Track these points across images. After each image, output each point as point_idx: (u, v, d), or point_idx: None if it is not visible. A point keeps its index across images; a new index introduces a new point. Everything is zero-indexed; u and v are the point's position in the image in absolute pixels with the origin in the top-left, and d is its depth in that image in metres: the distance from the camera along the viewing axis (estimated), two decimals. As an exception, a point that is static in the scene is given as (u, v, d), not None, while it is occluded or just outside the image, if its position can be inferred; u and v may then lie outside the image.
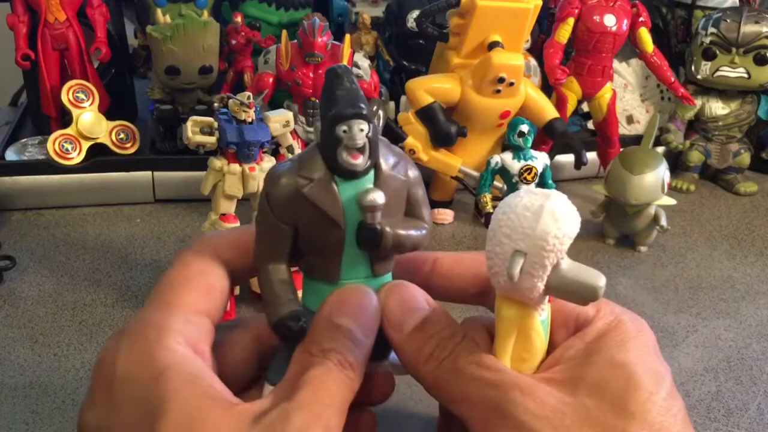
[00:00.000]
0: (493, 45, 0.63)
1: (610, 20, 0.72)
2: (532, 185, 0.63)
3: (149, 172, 0.70)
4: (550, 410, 0.26)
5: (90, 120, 0.68)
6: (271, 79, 0.69)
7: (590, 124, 0.81)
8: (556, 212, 0.26)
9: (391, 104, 0.77)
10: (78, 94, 0.68)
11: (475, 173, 0.68)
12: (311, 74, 0.67)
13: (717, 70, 0.79)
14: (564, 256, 0.27)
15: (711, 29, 0.79)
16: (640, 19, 0.74)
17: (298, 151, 0.59)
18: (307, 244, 0.30)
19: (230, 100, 0.53)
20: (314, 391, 0.27)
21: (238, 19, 0.78)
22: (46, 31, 0.69)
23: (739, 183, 0.80)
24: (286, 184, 0.28)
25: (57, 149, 0.67)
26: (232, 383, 0.29)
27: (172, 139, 0.70)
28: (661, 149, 0.80)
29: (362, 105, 0.28)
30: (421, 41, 0.77)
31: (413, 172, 0.30)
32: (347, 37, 0.71)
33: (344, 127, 0.27)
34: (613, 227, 0.67)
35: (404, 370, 0.31)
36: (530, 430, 0.26)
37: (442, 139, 0.66)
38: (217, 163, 0.54)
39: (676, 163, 0.82)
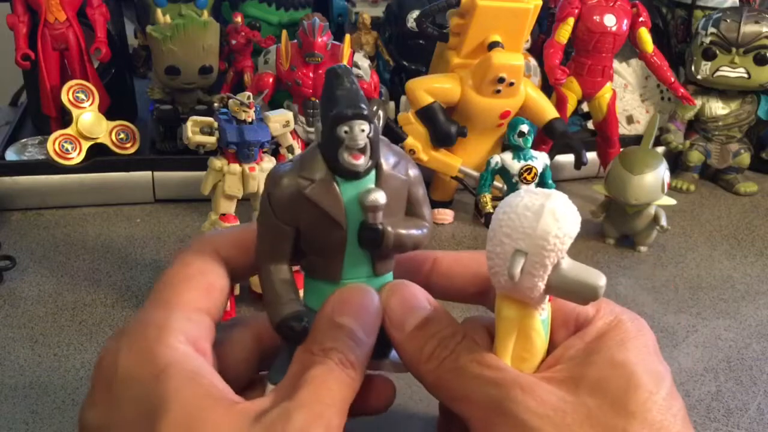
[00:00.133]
0: (493, 45, 0.63)
1: (610, 20, 0.72)
2: (532, 185, 0.63)
3: (149, 172, 0.70)
4: (551, 409, 0.26)
5: (90, 120, 0.68)
6: (271, 79, 0.69)
7: (590, 124, 0.81)
8: (556, 212, 0.26)
9: (391, 104, 0.77)
10: (78, 94, 0.68)
11: (475, 173, 0.68)
12: (311, 74, 0.67)
13: (717, 70, 0.79)
14: (564, 255, 0.27)
15: (711, 29, 0.79)
16: (640, 19, 0.74)
17: (298, 151, 0.59)
18: (309, 244, 0.30)
19: (230, 100, 0.53)
20: (315, 390, 0.27)
21: (238, 19, 0.78)
22: (46, 31, 0.69)
23: (739, 183, 0.80)
24: (288, 185, 0.28)
25: (57, 149, 0.67)
26: (233, 382, 0.29)
27: (172, 139, 0.70)
28: (661, 149, 0.80)
29: (363, 105, 0.28)
30: (421, 41, 0.77)
31: (414, 171, 0.30)
32: (347, 37, 0.71)
33: (345, 128, 0.27)
34: (613, 227, 0.67)
35: (405, 369, 0.31)
36: (531, 429, 0.26)
37: (442, 139, 0.66)
38: (217, 163, 0.54)
39: (676, 163, 0.82)
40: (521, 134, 0.63)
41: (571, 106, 0.75)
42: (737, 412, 0.47)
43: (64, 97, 0.67)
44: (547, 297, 0.29)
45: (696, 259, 0.66)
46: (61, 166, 0.67)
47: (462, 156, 0.68)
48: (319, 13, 0.73)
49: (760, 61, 0.78)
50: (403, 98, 0.72)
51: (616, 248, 0.67)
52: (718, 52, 0.79)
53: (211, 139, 0.54)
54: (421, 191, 0.31)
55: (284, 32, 0.71)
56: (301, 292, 0.31)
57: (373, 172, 0.29)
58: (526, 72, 0.67)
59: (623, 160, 0.65)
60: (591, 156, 0.74)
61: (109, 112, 0.71)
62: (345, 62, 0.69)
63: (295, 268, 0.31)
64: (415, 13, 0.73)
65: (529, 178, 0.64)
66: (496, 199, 0.67)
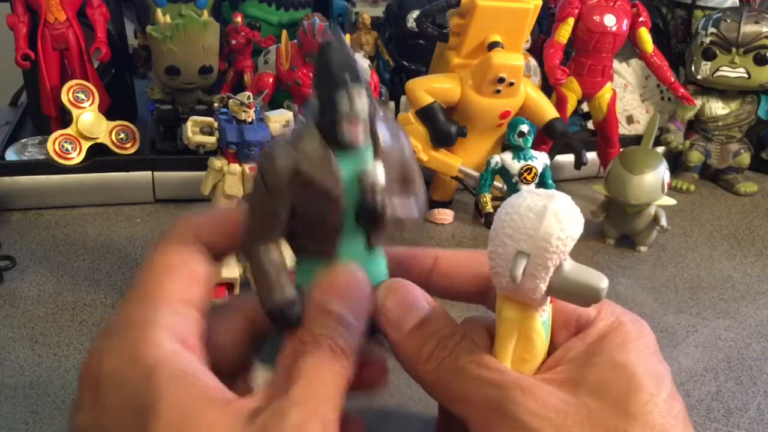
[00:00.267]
0: (493, 45, 0.63)
1: (610, 20, 0.72)
2: (532, 185, 0.63)
3: (149, 172, 0.70)
4: (551, 410, 0.26)
5: (90, 120, 0.68)
6: (271, 79, 0.69)
7: (590, 124, 0.81)
8: (559, 213, 0.26)
9: (391, 104, 0.77)
10: (78, 94, 0.68)
11: (475, 173, 0.68)
12: (311, 74, 0.67)
13: (717, 70, 0.79)
14: (567, 257, 0.27)
15: (711, 29, 0.79)
16: (640, 19, 0.74)
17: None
18: (303, 221, 0.29)
19: (230, 100, 0.53)
20: (308, 385, 0.26)
21: (238, 19, 0.78)
22: (46, 31, 0.69)
23: (739, 183, 0.80)
24: (284, 160, 0.27)
25: (57, 149, 0.67)
26: (226, 369, 0.28)
27: (172, 139, 0.70)
28: (661, 149, 0.80)
29: (360, 73, 0.27)
30: (421, 41, 0.77)
31: (405, 140, 0.30)
32: (347, 37, 0.71)
33: (345, 98, 0.27)
34: (613, 227, 0.67)
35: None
36: (531, 431, 0.26)
37: (442, 139, 0.66)
38: (217, 163, 0.54)
39: (676, 163, 0.82)
40: (521, 134, 0.63)
41: (571, 106, 0.75)
42: (737, 412, 0.47)
43: (64, 97, 0.67)
44: (549, 298, 0.29)
45: (696, 259, 0.66)
46: (61, 166, 0.67)
47: (462, 156, 0.68)
48: (319, 13, 0.73)
49: (760, 61, 0.78)
50: (403, 98, 0.72)
51: (616, 248, 0.67)
52: (718, 52, 0.79)
53: (211, 139, 0.54)
54: (414, 163, 0.30)
55: (284, 32, 0.71)
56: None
57: (370, 145, 0.28)
58: (526, 72, 0.67)
59: (623, 160, 0.65)
60: (591, 156, 0.74)
61: (109, 112, 0.71)
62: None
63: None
64: (415, 13, 0.73)
65: (529, 178, 0.64)
66: (496, 199, 0.67)
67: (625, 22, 0.72)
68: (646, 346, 0.29)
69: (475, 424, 0.28)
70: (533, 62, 0.77)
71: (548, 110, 0.68)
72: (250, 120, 0.52)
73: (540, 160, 0.65)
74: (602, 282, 0.27)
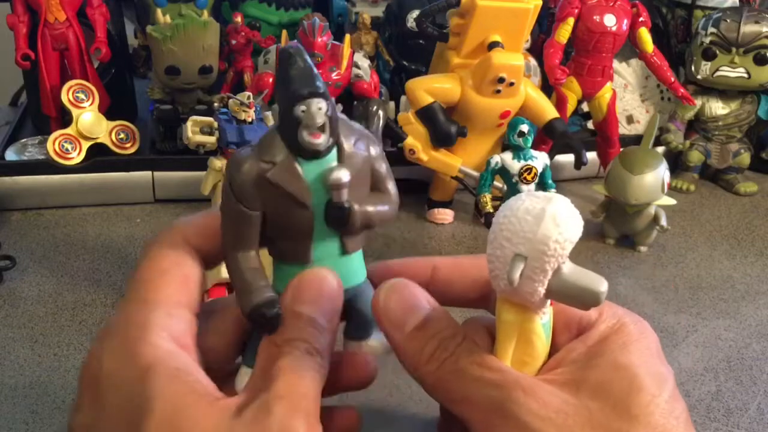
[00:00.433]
0: (493, 45, 0.63)
1: (610, 20, 0.72)
2: (532, 185, 0.63)
3: (149, 172, 0.70)
4: (553, 411, 0.26)
5: (90, 120, 0.68)
6: (271, 79, 0.69)
7: (590, 124, 0.81)
8: (557, 216, 0.26)
9: (391, 104, 0.77)
10: (78, 94, 0.68)
11: (475, 173, 0.68)
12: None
13: (717, 70, 0.79)
14: (566, 260, 0.27)
15: (711, 29, 0.79)
16: (640, 19, 0.74)
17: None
18: (275, 228, 0.29)
19: (230, 100, 0.53)
20: (289, 381, 0.27)
21: (238, 19, 0.78)
22: (46, 31, 0.69)
23: (739, 183, 0.80)
24: (249, 169, 0.28)
25: (57, 149, 0.67)
26: (216, 370, 0.29)
27: (172, 139, 0.70)
28: (661, 149, 0.80)
29: (319, 84, 0.27)
30: (421, 41, 0.77)
31: (375, 149, 0.30)
32: (347, 37, 0.71)
33: (303, 107, 0.27)
34: (613, 227, 0.67)
35: (385, 350, 0.31)
36: (532, 431, 0.26)
37: (442, 139, 0.66)
38: (217, 163, 0.54)
39: (676, 163, 0.82)
40: (521, 134, 0.63)
41: (571, 106, 0.75)
42: (737, 412, 0.47)
43: (64, 97, 0.67)
44: (549, 301, 0.29)
45: (696, 259, 0.66)
46: (61, 166, 0.67)
47: (462, 156, 0.68)
48: (319, 13, 0.73)
49: (760, 61, 0.78)
50: (403, 98, 0.72)
51: (616, 248, 0.67)
52: (718, 52, 0.79)
53: (211, 139, 0.54)
54: (384, 167, 0.30)
55: (284, 32, 0.71)
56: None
57: (334, 151, 0.29)
58: (526, 72, 0.67)
59: (623, 160, 0.65)
60: (591, 156, 0.74)
61: (109, 112, 0.71)
62: (345, 62, 0.69)
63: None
64: (415, 13, 0.73)
65: (529, 178, 0.64)
66: (497, 199, 0.67)
67: (625, 22, 0.72)
68: (648, 348, 0.29)
69: (477, 425, 0.28)
70: (533, 62, 0.77)
71: (548, 110, 0.67)
72: (250, 120, 0.52)
73: (540, 160, 0.65)
74: (601, 285, 0.27)
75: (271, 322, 0.29)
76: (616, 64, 0.83)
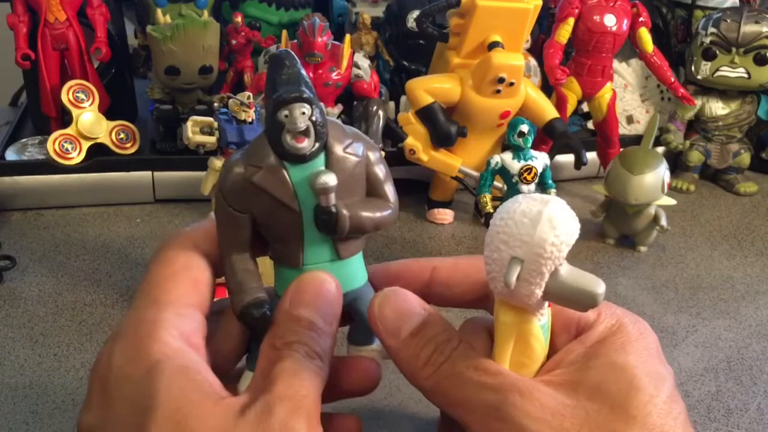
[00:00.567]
0: (493, 45, 0.63)
1: (610, 20, 0.72)
2: (532, 185, 0.63)
3: (149, 172, 0.70)
4: (549, 413, 0.26)
5: (90, 120, 0.68)
6: (270, 80, 0.69)
7: (590, 124, 0.81)
8: (554, 219, 0.26)
9: (391, 104, 0.77)
10: (78, 94, 0.68)
11: (475, 173, 0.68)
12: (311, 74, 0.67)
13: (717, 70, 0.79)
14: (563, 262, 0.27)
15: (711, 29, 0.79)
16: (640, 19, 0.74)
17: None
18: (267, 231, 0.30)
19: (230, 100, 0.53)
20: (289, 383, 0.27)
21: (238, 19, 0.78)
22: (46, 31, 0.69)
23: (739, 183, 0.80)
24: (237, 174, 0.29)
25: (57, 149, 0.67)
26: (225, 373, 0.29)
27: (172, 139, 0.70)
28: (661, 149, 0.80)
29: (304, 88, 0.28)
30: (421, 41, 0.77)
31: (372, 152, 0.30)
32: (347, 37, 0.71)
33: (285, 112, 0.27)
34: (613, 227, 0.67)
35: (387, 355, 0.31)
36: None
37: (442, 139, 0.66)
38: (217, 163, 0.54)
39: (676, 163, 0.82)
40: (521, 134, 0.63)
41: (571, 106, 0.75)
42: (737, 412, 0.47)
43: (64, 97, 0.67)
44: (546, 303, 0.29)
45: (696, 259, 0.66)
46: (61, 166, 0.67)
47: (462, 156, 0.68)
48: (319, 13, 0.73)
49: (760, 61, 0.78)
50: (403, 98, 0.72)
51: (616, 248, 0.67)
52: (718, 52, 0.79)
53: (211, 139, 0.54)
54: (381, 171, 0.30)
55: (284, 32, 0.71)
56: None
57: (322, 155, 0.29)
58: (526, 72, 0.67)
59: (623, 160, 0.65)
60: (591, 156, 0.74)
61: (109, 112, 0.71)
62: (345, 62, 0.69)
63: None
64: (415, 13, 0.73)
65: (529, 178, 0.64)
66: (497, 199, 0.67)
67: (625, 22, 0.72)
68: (646, 348, 0.29)
69: (475, 428, 0.28)
70: (533, 62, 0.77)
71: (548, 110, 0.67)
72: (250, 120, 0.52)
73: (540, 160, 0.65)
74: (599, 287, 0.27)
75: (259, 323, 0.29)
76: (616, 64, 0.83)
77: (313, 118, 0.28)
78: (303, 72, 0.28)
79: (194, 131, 0.54)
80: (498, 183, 0.67)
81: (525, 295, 0.27)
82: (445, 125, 0.65)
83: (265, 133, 0.29)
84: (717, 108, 0.81)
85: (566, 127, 0.69)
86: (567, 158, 0.71)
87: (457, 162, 0.68)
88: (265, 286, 0.30)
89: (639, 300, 0.59)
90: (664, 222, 0.65)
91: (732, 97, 0.81)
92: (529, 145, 0.64)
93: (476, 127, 0.66)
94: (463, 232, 0.69)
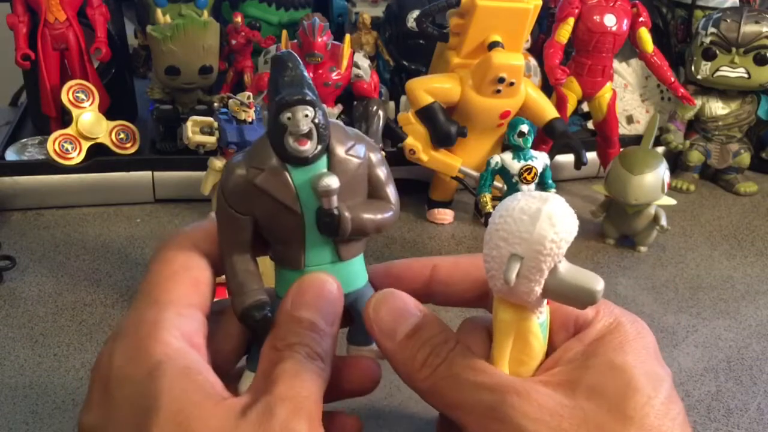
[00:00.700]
0: (493, 45, 0.63)
1: (610, 20, 0.72)
2: (532, 185, 0.63)
3: (149, 172, 0.70)
4: (547, 414, 0.26)
5: (90, 120, 0.68)
6: (270, 80, 0.69)
7: (590, 124, 0.81)
8: (553, 216, 0.26)
9: (391, 104, 0.77)
10: (78, 94, 0.68)
11: (475, 173, 0.68)
12: (311, 74, 0.67)
13: (717, 70, 0.79)
14: (562, 259, 0.27)
15: (711, 29, 0.79)
16: (640, 19, 0.74)
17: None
18: (268, 233, 0.30)
19: (230, 100, 0.53)
20: (291, 383, 0.27)
21: (238, 19, 0.78)
22: (46, 31, 0.69)
23: (739, 183, 0.80)
24: (239, 175, 0.28)
25: (57, 149, 0.67)
26: (225, 373, 0.29)
27: (172, 139, 0.70)
28: (661, 149, 0.80)
29: (306, 91, 0.28)
30: (421, 41, 0.77)
31: (374, 154, 0.30)
32: (347, 37, 0.71)
33: (288, 114, 0.27)
34: (613, 227, 0.67)
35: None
36: None
37: (442, 139, 0.66)
38: (217, 163, 0.54)
39: (676, 163, 0.82)
40: (521, 134, 0.63)
41: (571, 106, 0.75)
42: (737, 412, 0.47)
43: (64, 97, 0.67)
44: (545, 300, 0.29)
45: (696, 259, 0.66)
46: (61, 166, 0.67)
47: (462, 156, 0.68)
48: (319, 13, 0.73)
49: (760, 61, 0.78)
50: (403, 98, 0.72)
51: (616, 248, 0.67)
52: (718, 52, 0.79)
53: (211, 139, 0.54)
54: (383, 173, 0.30)
55: (284, 32, 0.71)
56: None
57: (324, 157, 0.29)
58: (526, 72, 0.67)
59: (623, 160, 0.65)
60: (591, 156, 0.74)
61: (109, 112, 0.71)
62: (345, 62, 0.69)
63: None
64: (415, 13, 0.73)
65: (529, 178, 0.64)
66: (496, 199, 0.67)
67: (625, 22, 0.72)
68: (644, 348, 0.29)
69: (473, 429, 0.28)
70: (533, 62, 0.77)
71: (548, 110, 0.67)
72: (250, 120, 0.53)
73: (540, 160, 0.65)
74: (597, 284, 0.27)
75: (261, 325, 0.29)
76: (616, 64, 0.83)
77: (316, 121, 0.28)
78: (306, 74, 0.28)
79: (194, 131, 0.54)
80: (498, 183, 0.67)
81: (524, 292, 0.27)
82: (445, 125, 0.65)
83: (268, 135, 0.29)
84: (717, 108, 0.81)
85: (566, 127, 0.69)
86: (567, 158, 0.71)
87: (457, 162, 0.68)
88: (265, 288, 0.30)
89: (639, 300, 0.59)
90: (664, 222, 0.65)
91: (732, 97, 0.81)
92: (529, 145, 0.64)
93: (476, 127, 0.66)
94: (463, 232, 0.69)
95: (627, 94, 0.86)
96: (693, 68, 0.80)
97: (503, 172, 0.65)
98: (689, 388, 0.49)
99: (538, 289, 0.27)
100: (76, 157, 0.68)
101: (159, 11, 0.67)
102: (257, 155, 0.29)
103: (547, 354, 0.30)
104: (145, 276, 0.31)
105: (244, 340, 0.32)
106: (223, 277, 0.31)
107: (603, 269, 0.63)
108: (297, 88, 0.28)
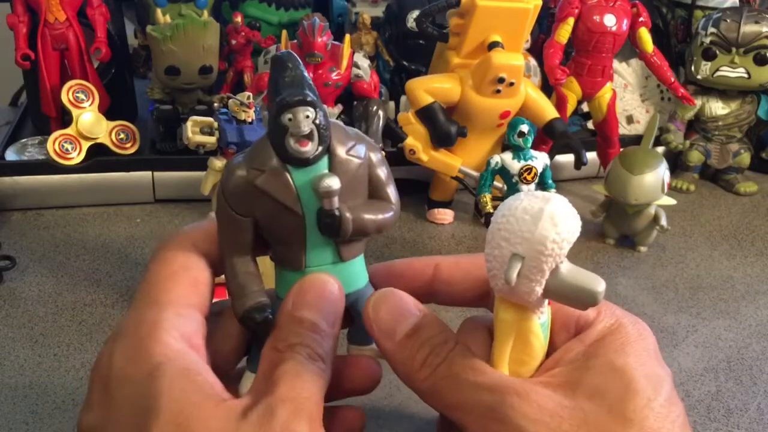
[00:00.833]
0: (493, 45, 0.63)
1: (610, 20, 0.72)
2: (532, 185, 0.63)
3: (149, 172, 0.70)
4: (547, 415, 0.26)
5: (90, 120, 0.68)
6: (270, 80, 0.69)
7: (590, 124, 0.81)
8: (555, 216, 0.26)
9: (391, 104, 0.77)
10: (78, 94, 0.68)
11: (475, 173, 0.68)
12: (311, 74, 0.67)
13: (717, 70, 0.79)
14: (564, 259, 0.27)
15: (711, 29, 0.79)
16: (640, 19, 0.74)
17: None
18: (269, 234, 0.30)
19: (230, 100, 0.53)
20: (291, 385, 0.27)
21: (238, 19, 0.78)
22: (46, 31, 0.69)
23: (739, 183, 0.80)
24: (239, 176, 0.28)
25: (57, 149, 0.67)
26: (224, 373, 0.29)
27: (172, 139, 0.70)
28: (661, 149, 0.80)
29: (307, 91, 0.28)
30: (421, 41, 0.77)
31: (374, 154, 0.30)
32: (347, 37, 0.71)
33: (289, 115, 0.27)
34: (613, 227, 0.67)
35: None
36: None
37: (442, 139, 0.66)
38: (217, 163, 0.54)
39: (676, 163, 0.82)
40: (521, 134, 0.63)
41: (571, 106, 0.75)
42: (737, 412, 0.47)
43: (64, 97, 0.67)
44: (546, 300, 0.29)
45: (696, 259, 0.66)
46: (61, 166, 0.67)
47: (462, 156, 0.68)
48: (319, 13, 0.73)
49: (760, 61, 0.78)
50: (403, 98, 0.72)
51: (616, 248, 0.67)
52: (718, 52, 0.79)
53: (211, 139, 0.54)
54: (383, 173, 0.30)
55: (284, 32, 0.71)
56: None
57: (325, 158, 0.29)
58: (526, 72, 0.67)
59: (623, 160, 0.65)
60: (591, 156, 0.74)
61: (109, 112, 0.71)
62: (345, 62, 0.69)
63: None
64: (415, 13, 0.73)
65: (529, 178, 0.64)
66: (497, 199, 0.67)
67: (625, 22, 0.72)
68: (645, 349, 0.29)
69: (473, 429, 0.28)
70: (533, 62, 0.77)
71: (548, 110, 0.67)
72: (250, 120, 0.53)
73: (540, 160, 0.65)
74: (599, 285, 0.27)
75: (261, 327, 0.29)
76: (616, 64, 0.83)
77: (317, 122, 0.28)
78: (306, 74, 0.28)
79: (194, 131, 0.54)
80: (498, 183, 0.67)
81: (525, 292, 0.27)
82: (445, 125, 0.65)
83: (268, 136, 0.29)
84: (717, 108, 0.81)
85: (566, 127, 0.69)
86: (567, 158, 0.71)
87: (457, 162, 0.68)
88: (266, 289, 0.30)
89: (639, 300, 0.59)
90: (664, 222, 0.65)
91: (732, 97, 0.81)
92: (529, 145, 0.64)
93: (476, 127, 0.66)
94: (463, 232, 0.69)
95: (627, 94, 0.86)
96: (693, 68, 0.80)
97: (503, 172, 0.65)
98: (689, 388, 0.49)
99: (539, 290, 0.27)
100: (76, 157, 0.68)
101: (159, 11, 0.67)
102: (258, 156, 0.28)
103: (548, 354, 0.30)
104: (144, 276, 0.31)
105: (243, 340, 0.32)
106: (223, 277, 0.31)
107: (603, 269, 0.63)
108: (297, 88, 0.28)
